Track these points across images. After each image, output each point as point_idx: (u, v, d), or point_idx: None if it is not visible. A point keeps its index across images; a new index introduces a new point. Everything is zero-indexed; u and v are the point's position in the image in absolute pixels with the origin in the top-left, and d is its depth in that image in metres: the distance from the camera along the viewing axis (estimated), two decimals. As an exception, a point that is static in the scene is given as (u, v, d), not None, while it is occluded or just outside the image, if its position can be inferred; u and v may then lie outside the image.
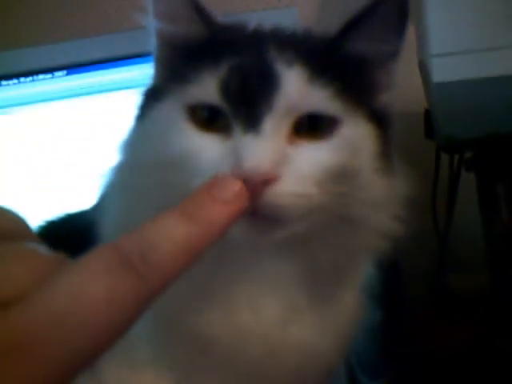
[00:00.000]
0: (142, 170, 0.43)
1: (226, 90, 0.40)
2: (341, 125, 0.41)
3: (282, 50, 0.42)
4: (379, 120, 0.45)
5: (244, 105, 0.39)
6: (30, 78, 0.85)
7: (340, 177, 0.40)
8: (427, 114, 0.86)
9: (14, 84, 0.86)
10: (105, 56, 0.85)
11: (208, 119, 0.41)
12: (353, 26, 0.44)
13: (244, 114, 0.39)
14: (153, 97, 0.45)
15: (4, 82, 0.86)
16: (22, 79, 0.86)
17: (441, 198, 0.95)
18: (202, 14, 0.45)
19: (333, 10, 1.04)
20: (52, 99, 0.86)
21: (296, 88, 0.40)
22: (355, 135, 0.42)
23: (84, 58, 0.85)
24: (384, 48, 0.45)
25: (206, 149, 0.39)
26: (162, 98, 0.44)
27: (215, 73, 0.41)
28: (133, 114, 0.48)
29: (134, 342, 0.44)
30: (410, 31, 0.90)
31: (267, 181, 0.36)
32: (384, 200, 0.44)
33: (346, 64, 0.43)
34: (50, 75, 0.85)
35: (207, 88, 0.41)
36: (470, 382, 0.76)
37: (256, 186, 0.35)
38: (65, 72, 0.85)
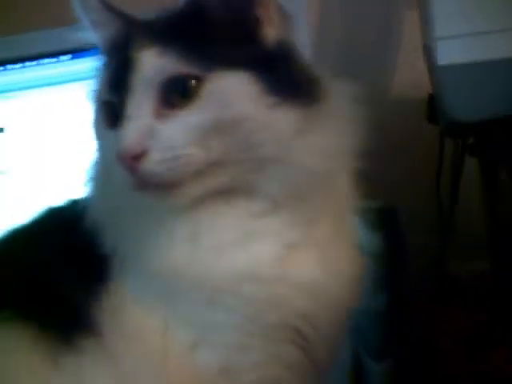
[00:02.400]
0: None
1: (109, 86, 0.48)
2: (205, 82, 0.45)
3: (140, 39, 0.47)
4: (269, 55, 0.47)
5: (118, 95, 0.46)
6: (35, 62, 0.86)
7: (221, 129, 0.45)
8: (431, 98, 0.87)
9: (20, 68, 0.86)
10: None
11: (109, 115, 0.48)
12: None
13: (119, 103, 0.46)
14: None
15: (9, 66, 0.86)
16: (27, 63, 0.86)
17: (444, 183, 0.96)
18: (114, 13, 0.52)
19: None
20: (57, 83, 0.86)
21: (148, 63, 0.45)
22: (223, 87, 0.46)
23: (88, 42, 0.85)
24: None
25: (109, 143, 0.47)
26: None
27: (106, 73, 0.49)
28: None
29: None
30: (414, 16, 0.91)
31: (138, 156, 0.44)
32: (295, 127, 0.47)
33: (206, 19, 0.47)
34: (55, 59, 0.86)
35: (104, 89, 0.49)
36: (471, 366, 0.76)
37: (131, 162, 0.43)
38: (70, 56, 0.86)
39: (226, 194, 0.47)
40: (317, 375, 0.52)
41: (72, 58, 0.86)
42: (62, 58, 0.86)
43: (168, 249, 0.48)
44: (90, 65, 0.84)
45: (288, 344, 0.49)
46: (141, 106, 0.45)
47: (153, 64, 0.45)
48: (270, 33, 0.48)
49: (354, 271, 0.51)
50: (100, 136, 0.51)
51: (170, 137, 0.44)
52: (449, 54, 0.65)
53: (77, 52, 0.85)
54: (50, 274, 0.52)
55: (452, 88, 0.68)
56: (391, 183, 0.93)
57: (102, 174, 0.53)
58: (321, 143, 0.48)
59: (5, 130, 0.87)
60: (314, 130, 0.47)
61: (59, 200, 0.60)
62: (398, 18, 1.10)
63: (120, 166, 0.44)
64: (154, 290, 0.49)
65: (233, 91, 0.45)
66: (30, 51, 0.86)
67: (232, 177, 0.46)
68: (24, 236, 0.57)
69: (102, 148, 0.52)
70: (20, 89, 0.87)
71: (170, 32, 0.46)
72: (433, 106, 0.86)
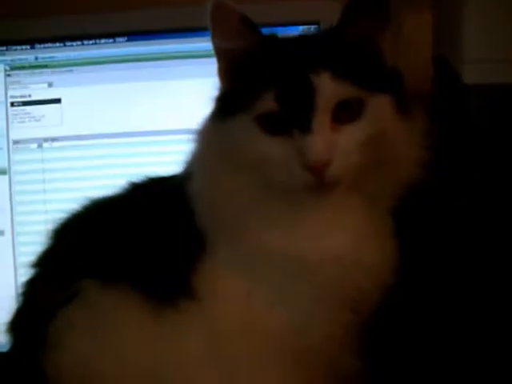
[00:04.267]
0: (228, 162, 0.61)
1: (281, 101, 0.57)
2: (366, 104, 0.58)
3: (311, 63, 0.57)
4: (391, 79, 0.60)
5: (296, 112, 0.56)
6: (93, 41, 0.94)
7: (373, 141, 0.58)
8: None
9: (78, 45, 0.94)
10: (160, 27, 0.94)
11: (272, 124, 0.58)
12: (347, 18, 0.60)
13: (297, 118, 0.56)
14: (224, 108, 0.62)
15: (68, 43, 0.94)
16: (85, 42, 0.94)
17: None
18: (251, 29, 0.61)
19: None
20: (113, 62, 0.95)
21: (326, 89, 0.56)
22: (377, 108, 0.58)
23: (143, 27, 0.94)
24: (376, 24, 0.60)
25: (275, 149, 0.57)
26: (234, 114, 0.60)
27: (273, 90, 0.57)
28: (206, 110, 0.65)
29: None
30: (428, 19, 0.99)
31: (326, 165, 0.55)
32: (407, 139, 0.61)
33: (353, 48, 0.59)
34: (111, 40, 0.95)
35: (269, 103, 0.57)
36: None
37: (320, 168, 0.55)
38: (125, 38, 0.95)
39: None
40: (359, 329, 0.65)
41: (127, 41, 0.95)
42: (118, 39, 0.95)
43: (270, 229, 0.60)
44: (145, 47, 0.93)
45: (346, 310, 0.62)
46: (322, 123, 0.56)
47: (331, 89, 0.56)
48: (389, 60, 0.61)
49: (393, 257, 0.65)
50: (249, 138, 0.59)
51: (345, 147, 0.56)
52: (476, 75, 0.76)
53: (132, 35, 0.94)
54: (151, 243, 0.62)
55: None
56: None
57: (212, 162, 0.63)
58: (414, 153, 0.62)
59: (62, 101, 0.95)
60: (411, 141, 0.61)
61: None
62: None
63: (298, 169, 0.56)
64: (244, 260, 0.61)
65: (383, 110, 0.59)
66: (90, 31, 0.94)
67: (361, 175, 0.59)
68: (116, 208, 0.67)
69: (248, 146, 0.59)
70: (77, 64, 0.95)
71: (333, 58, 0.58)
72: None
